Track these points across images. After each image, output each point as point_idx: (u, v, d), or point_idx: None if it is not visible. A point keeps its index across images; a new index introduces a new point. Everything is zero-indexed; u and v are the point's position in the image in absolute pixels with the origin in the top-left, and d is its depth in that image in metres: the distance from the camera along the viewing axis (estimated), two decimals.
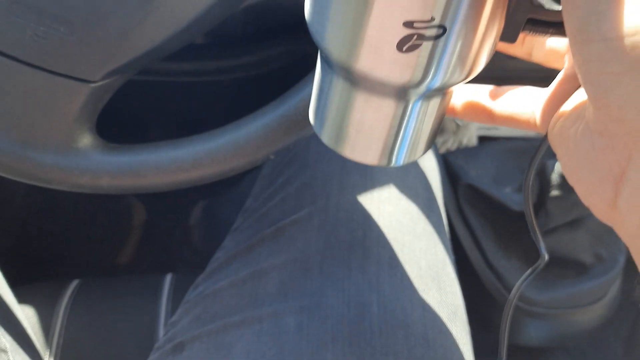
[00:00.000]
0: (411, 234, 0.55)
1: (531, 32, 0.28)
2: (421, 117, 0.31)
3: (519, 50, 0.37)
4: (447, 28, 0.25)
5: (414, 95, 0.30)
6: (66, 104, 0.40)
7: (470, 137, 1.13)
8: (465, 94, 0.37)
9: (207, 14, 0.40)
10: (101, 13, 0.38)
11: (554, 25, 0.28)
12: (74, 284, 0.67)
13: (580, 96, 0.29)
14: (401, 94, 0.29)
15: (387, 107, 0.30)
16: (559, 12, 0.26)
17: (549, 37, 0.29)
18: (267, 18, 0.67)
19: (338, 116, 0.32)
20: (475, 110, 0.37)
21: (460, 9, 0.24)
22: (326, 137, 0.34)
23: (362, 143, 0.32)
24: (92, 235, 0.97)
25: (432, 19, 0.24)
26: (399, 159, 0.33)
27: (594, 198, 0.26)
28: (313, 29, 0.29)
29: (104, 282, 0.69)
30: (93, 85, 0.39)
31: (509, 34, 0.28)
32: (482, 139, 1.15)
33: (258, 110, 0.45)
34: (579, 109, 0.28)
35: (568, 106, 0.29)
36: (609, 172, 0.25)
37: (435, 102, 0.31)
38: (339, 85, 0.31)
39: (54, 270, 0.85)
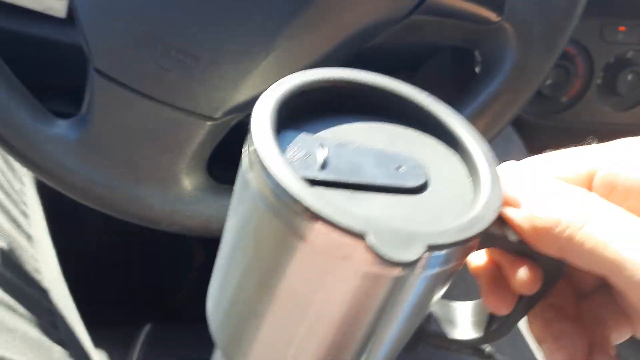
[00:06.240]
0: None
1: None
2: None
3: None
4: None
5: None
6: (185, 141, 0.38)
7: None
8: None
9: (327, 57, 0.39)
10: (228, 50, 0.36)
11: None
12: (146, 328, 0.64)
13: None
14: None
15: None
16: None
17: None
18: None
19: None
20: None
21: None
22: None
23: None
24: (156, 273, 0.95)
25: None
26: None
27: None
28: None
29: (175, 328, 0.67)
30: (213, 122, 0.38)
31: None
32: None
33: None
34: None
35: None
36: None
37: None
38: None
39: (124, 306, 0.83)
